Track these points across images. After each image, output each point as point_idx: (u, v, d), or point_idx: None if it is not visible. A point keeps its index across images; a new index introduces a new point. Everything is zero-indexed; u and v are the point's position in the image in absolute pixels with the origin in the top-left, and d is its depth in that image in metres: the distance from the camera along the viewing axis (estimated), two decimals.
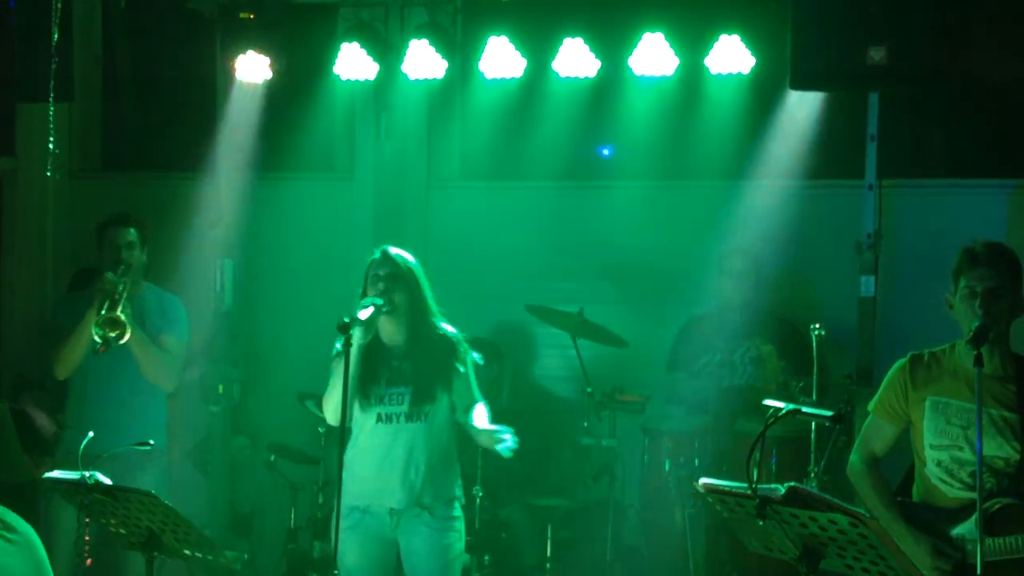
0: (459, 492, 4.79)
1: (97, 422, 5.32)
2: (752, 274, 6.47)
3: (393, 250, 4.78)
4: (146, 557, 4.21)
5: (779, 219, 6.76)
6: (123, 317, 5.19)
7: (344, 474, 4.75)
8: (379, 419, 4.69)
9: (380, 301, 4.61)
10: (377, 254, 4.77)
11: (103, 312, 5.19)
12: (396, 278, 4.69)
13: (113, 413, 5.37)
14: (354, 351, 4.53)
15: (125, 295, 5.26)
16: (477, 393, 4.79)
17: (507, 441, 4.51)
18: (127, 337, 5.22)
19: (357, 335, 4.54)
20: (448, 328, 4.79)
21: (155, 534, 4.18)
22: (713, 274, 6.57)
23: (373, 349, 4.71)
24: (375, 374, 4.70)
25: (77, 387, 5.46)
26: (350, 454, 4.75)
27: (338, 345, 4.66)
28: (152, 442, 5.11)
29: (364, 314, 4.54)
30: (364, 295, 4.72)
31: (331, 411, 4.69)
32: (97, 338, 5.17)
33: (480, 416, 4.67)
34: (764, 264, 6.50)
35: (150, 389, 5.45)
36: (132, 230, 5.49)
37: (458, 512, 4.75)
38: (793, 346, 6.23)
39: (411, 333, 4.73)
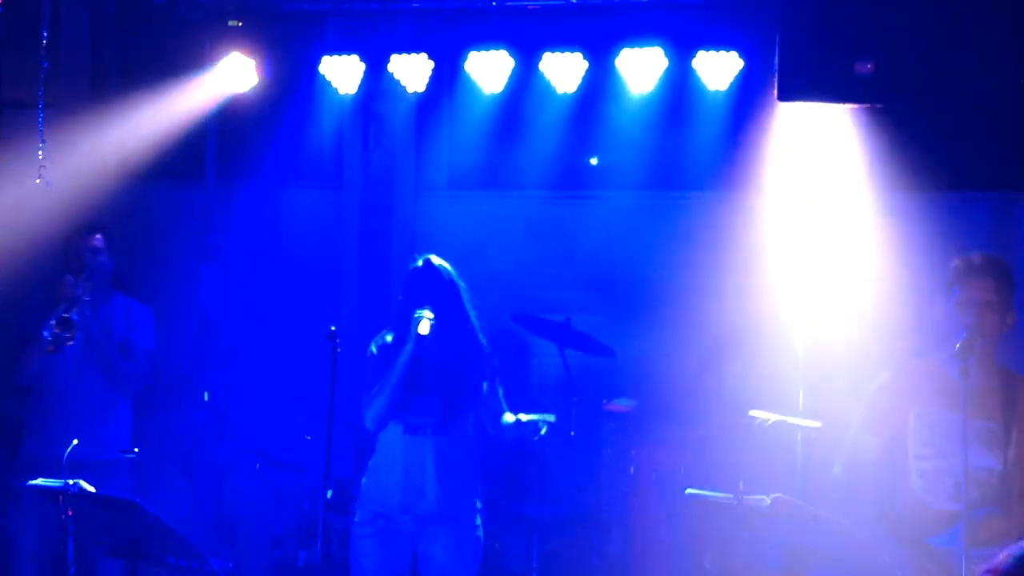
0: (479, 501, 4.84)
1: (58, 427, 5.31)
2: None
3: (435, 260, 4.80)
4: (130, 565, 4.20)
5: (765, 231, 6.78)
6: (74, 319, 5.18)
7: (368, 480, 4.78)
8: (407, 428, 4.72)
9: (432, 316, 4.61)
10: (420, 263, 4.78)
11: (60, 312, 5.18)
12: (438, 289, 4.72)
13: (74, 418, 5.36)
14: (406, 360, 4.61)
15: (85, 298, 5.24)
16: (504, 404, 4.86)
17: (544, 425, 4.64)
18: (75, 338, 5.20)
19: (411, 346, 4.59)
20: (483, 342, 4.83)
21: (138, 542, 4.17)
22: (699, 284, 6.58)
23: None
24: (407, 382, 4.71)
25: (38, 393, 5.43)
26: (376, 461, 4.80)
27: (373, 348, 4.72)
28: (137, 449, 5.11)
29: (424, 328, 4.56)
30: (403, 303, 4.74)
31: (377, 416, 4.71)
32: (48, 337, 5.16)
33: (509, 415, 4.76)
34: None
35: (112, 394, 5.43)
36: (98, 236, 5.48)
37: (478, 520, 4.80)
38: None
39: (446, 344, 4.74)
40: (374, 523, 4.75)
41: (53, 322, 5.16)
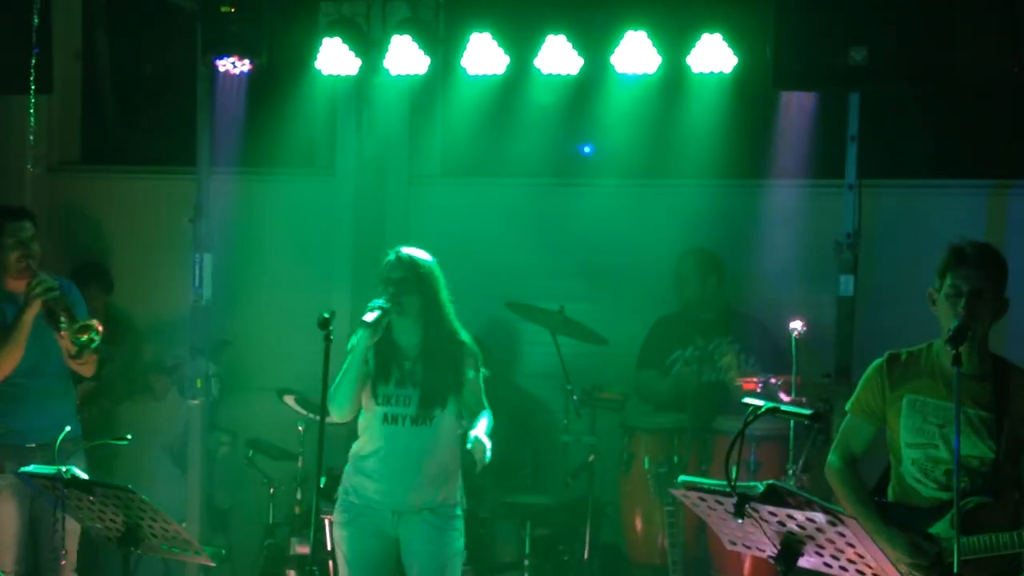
0: (461, 496, 4.84)
1: (19, 414, 5.28)
2: (710, 273, 6.49)
3: (406, 251, 4.76)
4: (123, 552, 4.20)
5: (759, 218, 6.78)
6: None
7: (348, 467, 4.78)
8: (385, 419, 4.71)
9: (387, 304, 4.60)
10: (391, 255, 4.75)
11: (69, 323, 5.12)
12: (407, 281, 4.68)
13: (34, 405, 5.32)
14: (361, 350, 4.58)
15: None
16: (485, 401, 4.83)
17: (479, 455, 4.57)
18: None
19: (364, 336, 4.56)
20: (464, 333, 4.80)
21: (132, 529, 4.16)
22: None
23: (387, 349, 4.72)
24: (386, 374, 4.71)
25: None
26: (355, 449, 4.81)
27: (353, 340, 4.68)
28: (129, 436, 5.09)
29: (369, 317, 4.55)
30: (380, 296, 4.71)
31: (335, 406, 4.70)
32: (76, 348, 5.14)
33: (480, 427, 4.69)
34: (722, 261, 6.52)
35: (65, 379, 5.42)
36: (29, 223, 5.40)
37: (459, 512, 4.80)
38: (761, 344, 6.26)
39: (424, 335, 4.73)
40: (349, 510, 4.76)
41: (75, 332, 5.08)
